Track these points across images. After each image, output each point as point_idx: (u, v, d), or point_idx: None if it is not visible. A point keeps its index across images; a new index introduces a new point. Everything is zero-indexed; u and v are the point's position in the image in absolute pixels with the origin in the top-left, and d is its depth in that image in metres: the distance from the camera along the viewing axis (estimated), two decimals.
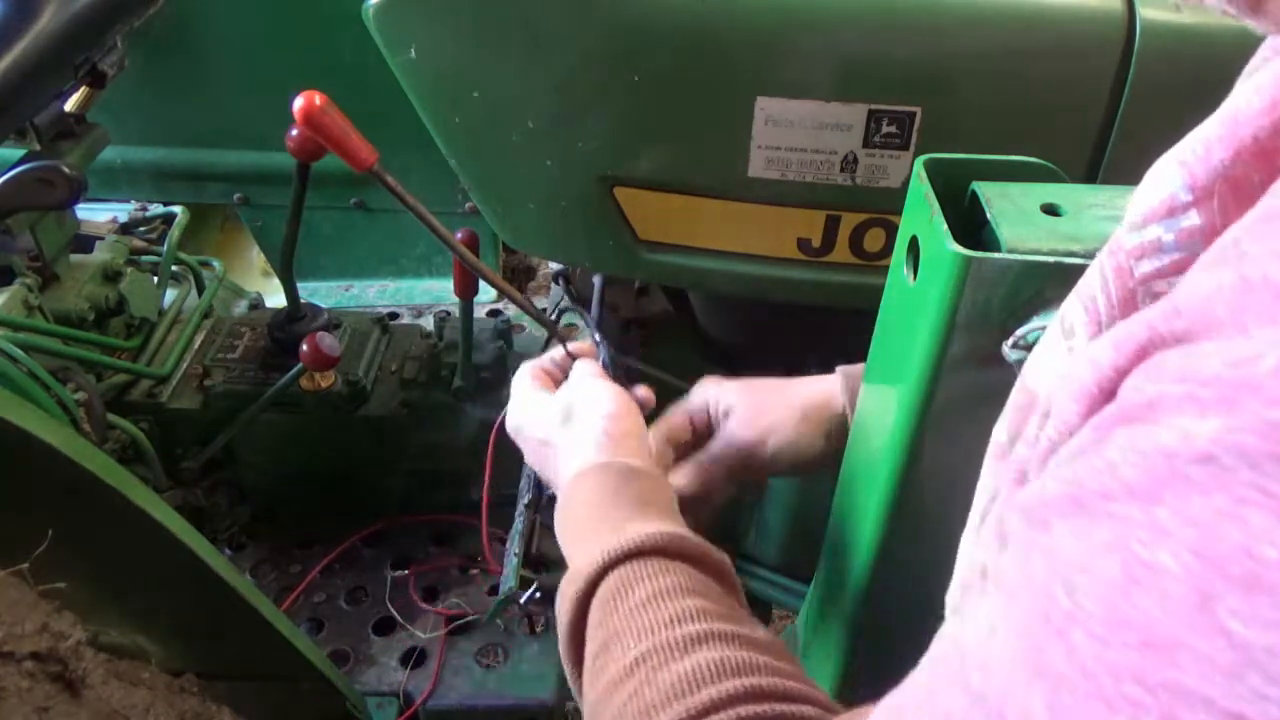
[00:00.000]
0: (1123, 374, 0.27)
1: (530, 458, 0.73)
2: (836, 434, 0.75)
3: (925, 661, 0.32)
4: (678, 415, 0.80)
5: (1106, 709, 0.22)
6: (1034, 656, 0.24)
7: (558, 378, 0.76)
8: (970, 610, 0.30)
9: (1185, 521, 0.22)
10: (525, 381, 0.75)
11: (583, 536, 0.60)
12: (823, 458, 0.75)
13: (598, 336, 0.81)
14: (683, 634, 0.50)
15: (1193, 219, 0.30)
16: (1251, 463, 0.21)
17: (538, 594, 0.90)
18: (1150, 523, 0.23)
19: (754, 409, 0.77)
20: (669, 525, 0.58)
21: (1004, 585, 0.28)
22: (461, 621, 1.03)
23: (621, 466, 0.63)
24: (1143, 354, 0.26)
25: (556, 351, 0.78)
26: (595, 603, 0.55)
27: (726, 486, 0.79)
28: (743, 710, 0.45)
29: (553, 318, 1.09)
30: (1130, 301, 0.33)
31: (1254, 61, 0.35)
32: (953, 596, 0.39)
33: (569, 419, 0.69)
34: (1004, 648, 0.26)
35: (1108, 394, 0.28)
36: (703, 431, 0.80)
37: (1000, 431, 0.39)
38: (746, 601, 0.59)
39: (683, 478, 0.77)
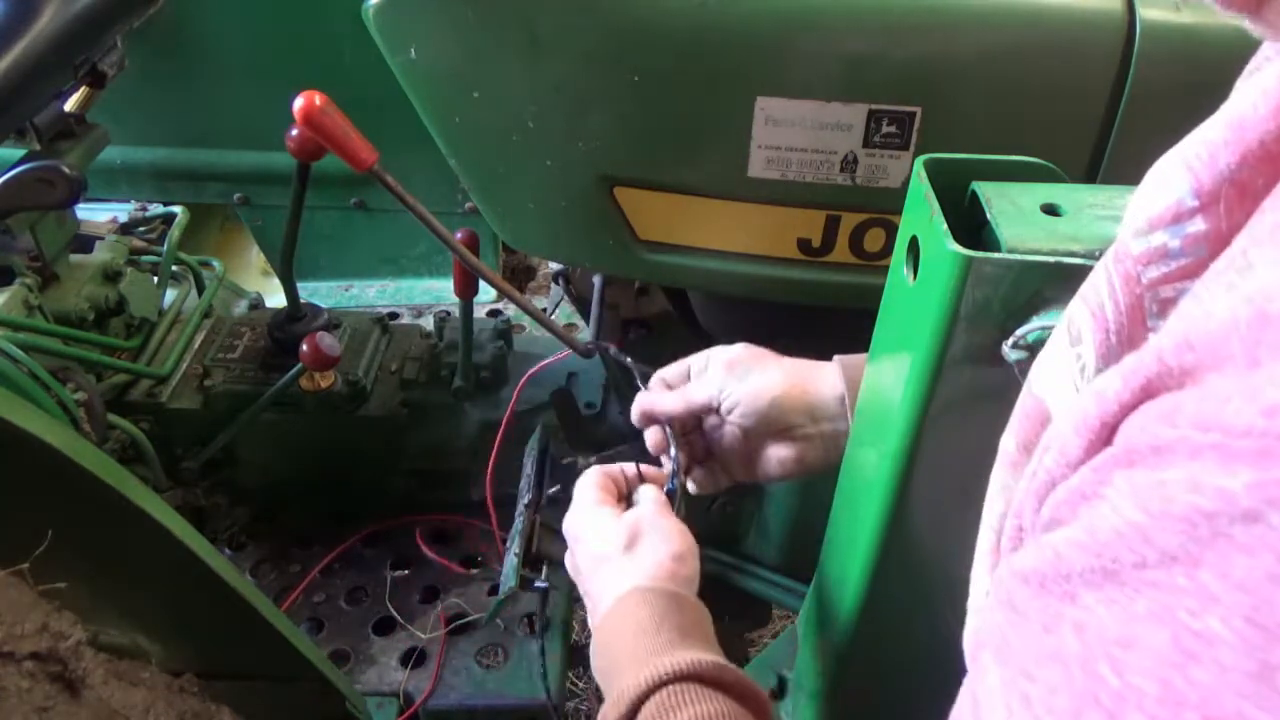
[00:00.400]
0: (1127, 409, 0.26)
1: (578, 562, 0.74)
2: (821, 413, 0.76)
3: None
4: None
5: None
6: None
7: (622, 491, 0.78)
8: (980, 685, 0.29)
9: (1233, 586, 0.21)
10: (592, 491, 0.76)
11: (626, 657, 0.61)
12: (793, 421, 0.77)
13: (676, 462, 0.79)
14: None
15: (1198, 225, 0.29)
16: None
17: (540, 585, 0.90)
18: (1195, 589, 0.21)
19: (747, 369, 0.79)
20: (710, 655, 0.59)
21: (1014, 658, 0.27)
22: (461, 621, 1.03)
23: (667, 592, 0.65)
24: (1149, 389, 0.26)
25: (628, 466, 0.79)
26: None
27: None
28: None
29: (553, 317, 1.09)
30: (1137, 307, 0.32)
31: (1255, 61, 0.34)
32: (970, 625, 0.38)
33: (633, 546, 0.70)
34: None
35: (1112, 429, 0.27)
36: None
37: (1009, 440, 0.38)
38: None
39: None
